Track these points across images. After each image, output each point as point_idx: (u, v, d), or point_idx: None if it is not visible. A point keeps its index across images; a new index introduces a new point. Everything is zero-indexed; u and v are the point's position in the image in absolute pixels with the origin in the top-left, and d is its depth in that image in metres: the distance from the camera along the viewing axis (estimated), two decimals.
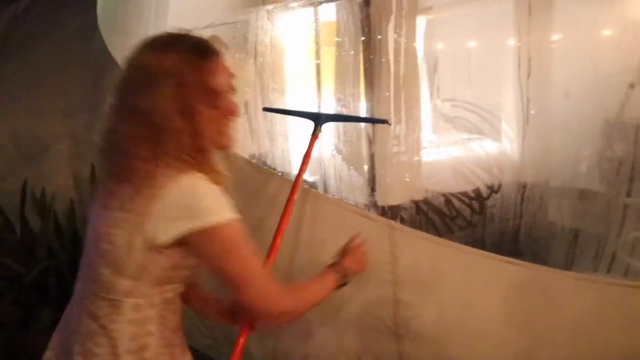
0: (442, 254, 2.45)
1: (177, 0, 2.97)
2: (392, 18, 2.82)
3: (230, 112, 1.26)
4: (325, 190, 3.53)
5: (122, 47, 3.12)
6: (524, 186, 3.34)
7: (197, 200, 1.14)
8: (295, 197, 1.88)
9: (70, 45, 3.86)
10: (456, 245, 2.48)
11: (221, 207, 1.15)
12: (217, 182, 1.20)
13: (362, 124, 3.12)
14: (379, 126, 2.89)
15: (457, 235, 3.23)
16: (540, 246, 3.19)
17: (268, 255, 1.65)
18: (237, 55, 3.63)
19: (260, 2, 4.24)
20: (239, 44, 3.79)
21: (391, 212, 3.15)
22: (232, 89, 1.27)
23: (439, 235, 2.92)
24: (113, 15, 3.33)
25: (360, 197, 3.28)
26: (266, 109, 3.15)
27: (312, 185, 3.68)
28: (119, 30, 3.21)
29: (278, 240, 1.71)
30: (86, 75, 3.67)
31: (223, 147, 1.27)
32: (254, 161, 3.88)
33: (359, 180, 3.38)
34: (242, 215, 1.19)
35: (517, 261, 2.36)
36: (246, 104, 3.71)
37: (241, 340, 1.45)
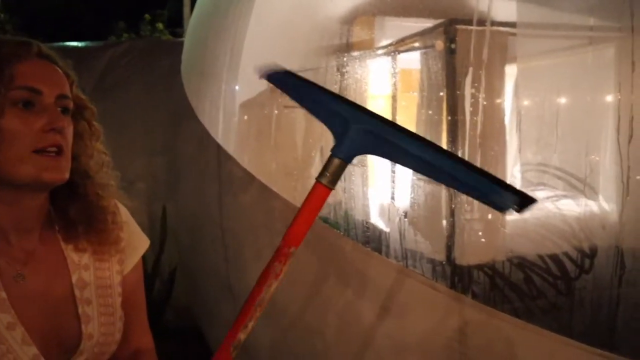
0: (521, 338, 2.07)
1: (252, 44, 2.83)
2: (470, 71, 2.51)
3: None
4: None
5: (197, 92, 3.03)
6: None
7: None
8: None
9: (158, 88, 3.89)
10: (537, 329, 2.09)
11: None
12: None
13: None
14: None
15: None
16: None
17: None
18: None
19: (347, 49, 4.09)
20: None
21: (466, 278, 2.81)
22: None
23: (517, 316, 2.52)
24: (193, 59, 3.27)
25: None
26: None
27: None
28: (196, 76, 3.13)
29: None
30: (168, 117, 3.65)
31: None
32: None
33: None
34: None
35: (612, 355, 1.94)
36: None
37: None
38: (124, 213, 1.13)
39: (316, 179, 0.89)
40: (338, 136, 0.88)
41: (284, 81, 0.96)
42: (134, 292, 1.14)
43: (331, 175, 0.88)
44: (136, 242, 1.15)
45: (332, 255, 2.23)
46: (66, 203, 1.02)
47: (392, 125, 0.89)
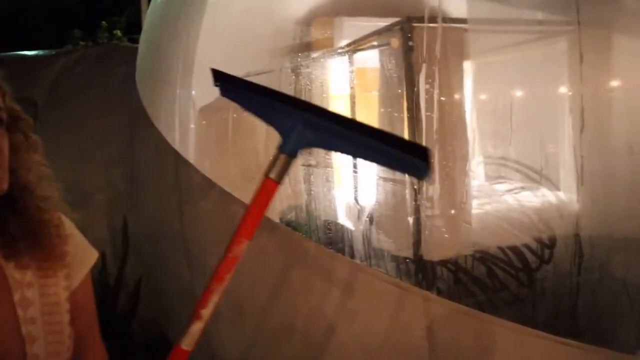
0: (487, 331, 2.08)
1: (208, 50, 2.77)
2: (424, 67, 2.52)
3: None
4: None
5: (152, 98, 2.96)
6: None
7: None
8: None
9: (112, 96, 3.77)
10: (502, 321, 2.09)
11: None
12: None
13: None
14: None
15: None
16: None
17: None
18: None
19: (300, 49, 4.06)
20: None
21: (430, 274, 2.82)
22: None
23: (482, 309, 2.52)
24: (147, 65, 3.19)
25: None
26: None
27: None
28: (150, 82, 3.05)
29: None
30: (124, 126, 3.54)
31: None
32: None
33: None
34: None
35: (575, 343, 1.96)
36: None
37: None
38: (69, 226, 1.07)
39: (264, 174, 0.93)
40: (283, 133, 0.93)
41: (224, 84, 0.99)
42: (84, 307, 1.08)
43: (278, 170, 0.92)
44: (83, 255, 1.09)
45: (296, 258, 2.20)
46: (5, 218, 0.96)
47: (330, 114, 0.93)
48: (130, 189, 3.40)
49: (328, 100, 4.15)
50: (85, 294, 1.08)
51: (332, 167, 3.95)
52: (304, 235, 2.81)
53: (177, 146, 2.69)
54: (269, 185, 0.93)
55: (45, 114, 3.70)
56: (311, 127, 0.91)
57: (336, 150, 0.97)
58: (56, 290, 1.00)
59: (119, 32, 10.51)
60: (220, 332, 2.43)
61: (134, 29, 10.05)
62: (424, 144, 2.54)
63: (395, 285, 2.21)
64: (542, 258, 2.86)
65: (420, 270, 2.89)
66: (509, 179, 4.17)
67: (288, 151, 0.92)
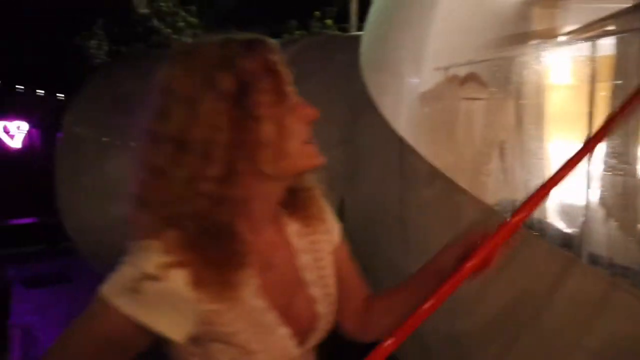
0: None
1: (436, 37, 2.75)
2: None
3: None
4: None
5: (379, 85, 3.02)
6: None
7: None
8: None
9: (333, 82, 3.94)
10: None
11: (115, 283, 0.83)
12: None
13: None
14: None
15: None
16: None
17: None
18: (496, 96, 3.27)
19: (526, 38, 3.83)
20: (499, 84, 3.41)
21: None
22: None
23: None
24: (374, 53, 3.27)
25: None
26: None
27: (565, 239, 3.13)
28: (378, 69, 3.12)
29: None
30: (344, 111, 3.68)
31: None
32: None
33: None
34: None
35: None
36: (502, 149, 3.32)
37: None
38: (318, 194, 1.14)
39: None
40: None
41: None
42: (346, 259, 1.15)
43: None
44: (334, 218, 1.15)
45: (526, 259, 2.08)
46: (293, 190, 1.04)
47: None
48: (348, 172, 3.54)
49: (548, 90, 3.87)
50: (343, 248, 1.15)
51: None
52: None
53: (402, 132, 2.72)
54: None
55: None
56: None
57: None
58: (323, 248, 1.09)
59: (329, 22, 11.03)
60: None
61: (342, 18, 10.48)
62: None
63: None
64: None
65: None
66: None
67: None
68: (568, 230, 3.52)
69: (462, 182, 2.79)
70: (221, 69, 0.87)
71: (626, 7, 3.10)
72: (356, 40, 3.66)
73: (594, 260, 2.88)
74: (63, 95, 9.41)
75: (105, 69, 6.35)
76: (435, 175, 2.42)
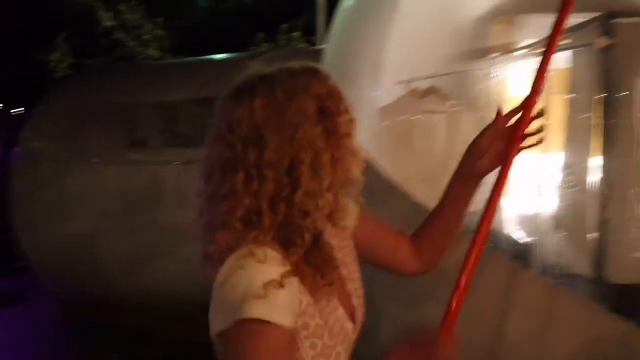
0: None
1: (394, 51, 2.76)
2: None
3: None
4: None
5: None
6: None
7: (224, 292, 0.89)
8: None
9: None
10: None
11: (247, 299, 0.85)
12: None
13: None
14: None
15: None
16: None
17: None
18: (455, 108, 3.31)
19: (485, 53, 3.89)
20: (460, 96, 3.46)
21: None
22: None
23: None
24: (335, 66, 3.27)
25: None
26: None
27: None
28: (339, 81, 3.11)
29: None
30: None
31: None
32: None
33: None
34: None
35: None
36: None
37: None
38: None
39: None
40: None
41: None
42: (371, 219, 1.18)
43: None
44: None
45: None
46: None
47: None
48: None
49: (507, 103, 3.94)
50: (364, 218, 1.17)
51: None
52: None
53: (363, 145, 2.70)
54: None
55: None
56: None
57: None
58: (348, 243, 1.14)
59: (297, 34, 11.06)
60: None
61: (309, 31, 10.51)
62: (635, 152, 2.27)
63: (590, 310, 2.00)
64: None
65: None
66: None
67: None
68: (521, 241, 3.58)
69: (423, 194, 2.80)
70: (304, 97, 0.93)
71: (580, 23, 3.18)
72: (322, 53, 3.67)
73: (546, 270, 2.94)
74: (21, 110, 9.19)
75: (66, 83, 6.21)
76: (391, 188, 2.41)
